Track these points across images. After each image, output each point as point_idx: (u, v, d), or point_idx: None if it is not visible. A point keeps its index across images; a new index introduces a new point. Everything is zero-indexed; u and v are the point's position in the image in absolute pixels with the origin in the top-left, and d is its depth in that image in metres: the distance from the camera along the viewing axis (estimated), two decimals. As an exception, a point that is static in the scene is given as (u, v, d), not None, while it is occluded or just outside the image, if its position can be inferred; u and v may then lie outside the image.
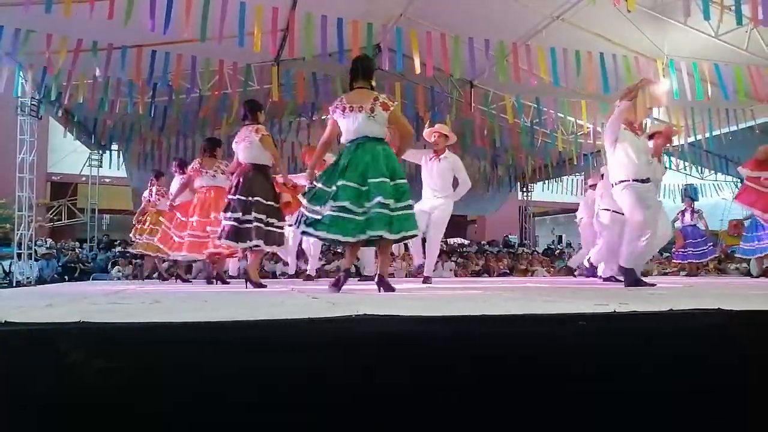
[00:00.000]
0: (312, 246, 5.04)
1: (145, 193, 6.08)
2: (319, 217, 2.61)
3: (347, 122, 2.70)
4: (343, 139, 2.78)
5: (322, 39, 5.35)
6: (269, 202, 3.52)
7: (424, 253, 4.44)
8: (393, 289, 2.58)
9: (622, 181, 3.29)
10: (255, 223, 3.44)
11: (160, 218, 5.54)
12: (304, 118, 8.66)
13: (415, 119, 7.64)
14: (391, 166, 2.64)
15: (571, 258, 6.90)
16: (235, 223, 3.46)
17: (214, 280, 4.54)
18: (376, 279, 2.70)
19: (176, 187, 5.26)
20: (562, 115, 8.38)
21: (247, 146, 3.56)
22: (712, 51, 6.24)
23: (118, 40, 5.65)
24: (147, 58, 5.86)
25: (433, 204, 4.23)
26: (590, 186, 6.35)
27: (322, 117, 8.96)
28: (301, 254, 5.84)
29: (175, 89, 6.87)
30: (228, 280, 4.78)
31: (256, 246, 3.48)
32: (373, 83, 2.79)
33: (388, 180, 2.58)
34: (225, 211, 3.58)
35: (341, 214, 2.55)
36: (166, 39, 5.36)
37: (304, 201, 2.73)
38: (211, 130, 8.61)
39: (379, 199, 2.52)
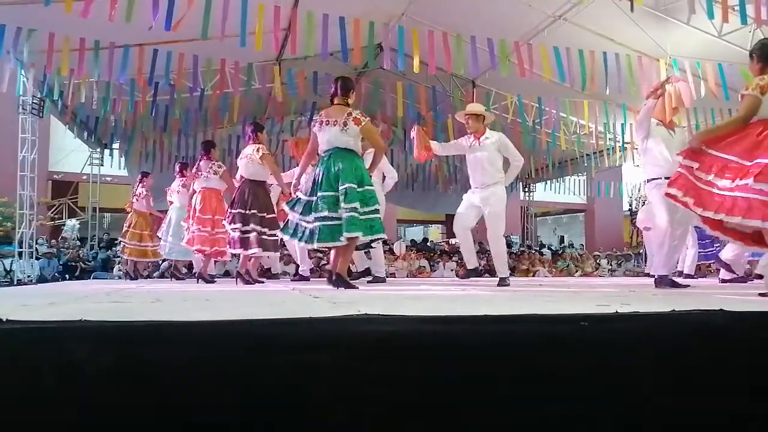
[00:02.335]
0: (298, 249, 5.06)
1: (132, 195, 6.33)
2: (307, 227, 2.96)
3: (323, 135, 3.03)
4: (320, 150, 3.09)
5: (324, 38, 5.34)
6: (262, 214, 3.99)
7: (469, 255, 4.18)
8: (354, 287, 2.83)
9: (654, 179, 3.18)
10: (253, 233, 3.92)
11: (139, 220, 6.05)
12: (305, 117, 8.66)
13: (416, 119, 7.64)
14: (359, 175, 2.94)
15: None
16: (239, 234, 3.96)
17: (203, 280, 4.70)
18: (333, 276, 2.94)
19: (175, 188, 5.55)
20: (564, 115, 8.37)
21: (247, 163, 4.04)
22: (715, 51, 6.22)
23: (120, 39, 5.66)
24: (149, 57, 5.86)
25: (483, 195, 3.75)
26: None
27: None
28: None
29: (177, 88, 6.87)
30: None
31: (254, 253, 3.97)
32: (350, 100, 3.11)
33: (356, 186, 2.88)
34: (230, 222, 4.04)
35: (324, 223, 2.88)
36: (168, 38, 5.36)
37: (288, 210, 3.07)
38: (213, 129, 8.62)
39: (353, 204, 2.82)
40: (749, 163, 2.19)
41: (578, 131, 8.93)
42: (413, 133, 4.01)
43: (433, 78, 7.37)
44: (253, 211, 3.95)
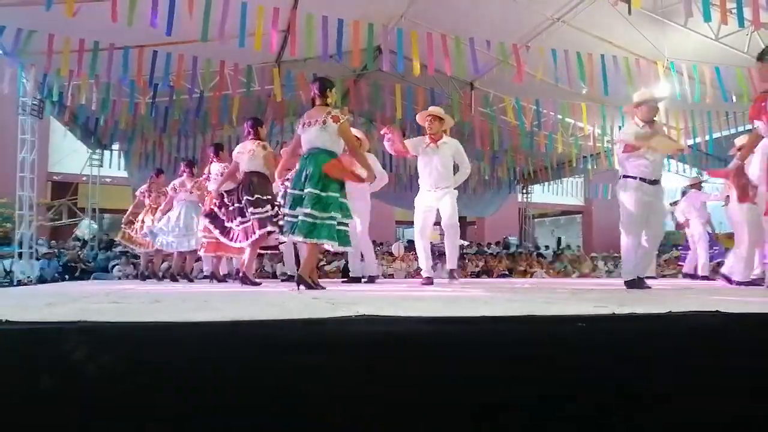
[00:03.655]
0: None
1: (143, 187, 6.14)
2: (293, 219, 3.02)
3: (305, 136, 3.09)
4: (302, 151, 3.15)
5: (323, 40, 5.36)
6: (257, 195, 3.95)
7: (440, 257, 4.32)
8: (313, 288, 2.85)
9: (629, 178, 3.24)
10: (249, 222, 3.87)
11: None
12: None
13: (414, 121, 7.65)
14: (326, 181, 2.95)
15: (698, 265, 6.28)
16: (240, 226, 3.93)
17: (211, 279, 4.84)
18: (296, 278, 2.98)
19: (187, 186, 5.54)
20: (562, 117, 8.40)
21: (251, 158, 4.04)
22: (713, 53, 6.24)
23: (120, 40, 5.66)
24: (148, 59, 5.87)
25: (438, 196, 3.84)
26: (691, 185, 6.50)
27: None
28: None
29: (176, 90, 6.88)
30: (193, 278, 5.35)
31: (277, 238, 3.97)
32: (329, 100, 3.15)
33: (319, 192, 2.92)
34: (231, 219, 4.04)
35: (289, 219, 3.01)
36: (167, 39, 5.37)
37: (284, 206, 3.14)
38: (213, 131, 8.63)
39: (307, 209, 2.89)
40: None
41: (576, 133, 8.96)
42: (385, 132, 3.99)
43: (432, 80, 7.39)
44: (247, 198, 3.91)
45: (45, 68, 6.02)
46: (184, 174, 5.52)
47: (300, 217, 2.92)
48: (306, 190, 2.94)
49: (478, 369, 0.95)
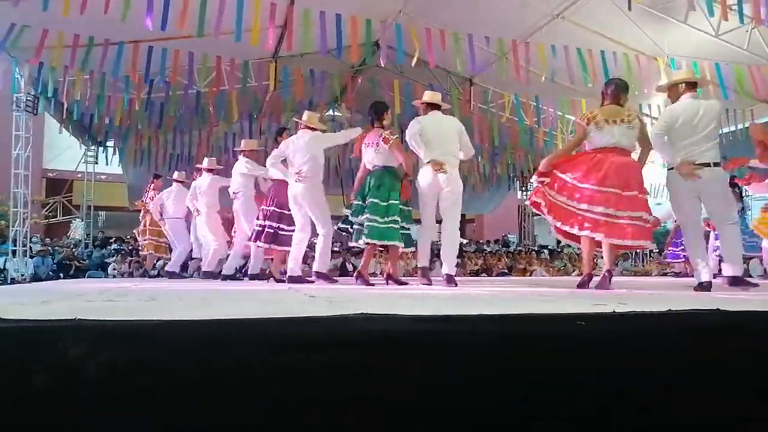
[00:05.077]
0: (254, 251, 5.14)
1: (145, 195, 6.50)
2: (360, 227, 3.49)
3: (365, 155, 3.61)
4: (368, 166, 3.62)
5: (321, 35, 5.32)
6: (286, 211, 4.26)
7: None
8: (403, 283, 3.35)
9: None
10: (281, 231, 4.23)
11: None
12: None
13: (413, 117, 7.63)
14: (396, 191, 3.45)
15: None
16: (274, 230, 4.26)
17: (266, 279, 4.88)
18: (385, 276, 3.54)
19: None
20: (562, 114, 8.38)
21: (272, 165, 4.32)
22: (712, 50, 6.24)
23: (115, 35, 5.61)
24: (144, 54, 5.82)
25: None
26: None
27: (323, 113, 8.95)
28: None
29: (172, 85, 6.83)
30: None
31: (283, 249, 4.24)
32: (385, 122, 3.60)
33: (397, 202, 3.43)
34: (264, 218, 4.32)
35: (372, 224, 3.38)
36: (163, 35, 5.33)
37: (350, 215, 3.60)
38: (209, 127, 8.58)
39: (394, 216, 3.37)
40: (581, 185, 2.74)
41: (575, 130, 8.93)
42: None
43: (431, 76, 7.36)
44: (274, 209, 4.23)
45: (40, 63, 5.97)
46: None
47: (390, 225, 3.37)
48: (391, 201, 3.40)
49: (477, 368, 0.94)
